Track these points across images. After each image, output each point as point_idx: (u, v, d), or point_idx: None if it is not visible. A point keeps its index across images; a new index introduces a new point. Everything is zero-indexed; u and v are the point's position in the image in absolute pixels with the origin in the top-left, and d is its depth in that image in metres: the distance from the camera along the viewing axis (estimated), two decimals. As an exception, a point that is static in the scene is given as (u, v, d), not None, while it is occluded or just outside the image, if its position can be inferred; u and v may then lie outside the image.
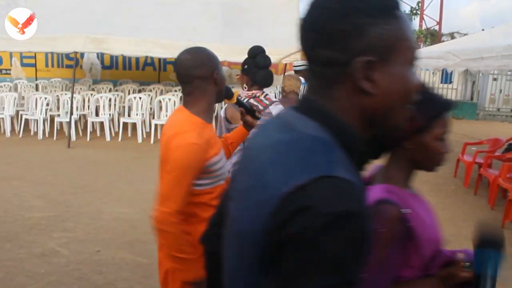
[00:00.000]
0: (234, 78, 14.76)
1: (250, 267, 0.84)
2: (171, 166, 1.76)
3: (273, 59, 8.21)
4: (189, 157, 1.75)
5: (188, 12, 9.48)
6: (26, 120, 9.42)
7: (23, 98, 10.59)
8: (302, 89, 4.32)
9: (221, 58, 8.59)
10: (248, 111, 2.28)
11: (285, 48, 8.38)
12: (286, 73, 5.27)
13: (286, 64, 9.45)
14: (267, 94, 3.19)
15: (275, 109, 3.08)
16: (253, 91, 3.16)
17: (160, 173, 1.85)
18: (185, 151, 1.75)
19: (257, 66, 3.16)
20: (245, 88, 3.21)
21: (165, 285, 1.92)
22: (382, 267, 1.14)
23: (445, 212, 5.71)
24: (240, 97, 2.93)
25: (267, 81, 3.18)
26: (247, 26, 9.22)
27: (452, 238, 4.87)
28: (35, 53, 13.13)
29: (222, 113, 3.21)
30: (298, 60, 8.23)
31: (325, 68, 0.84)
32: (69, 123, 8.69)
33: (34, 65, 14.00)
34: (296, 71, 6.13)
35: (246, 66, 3.22)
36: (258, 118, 2.30)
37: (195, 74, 1.86)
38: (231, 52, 8.47)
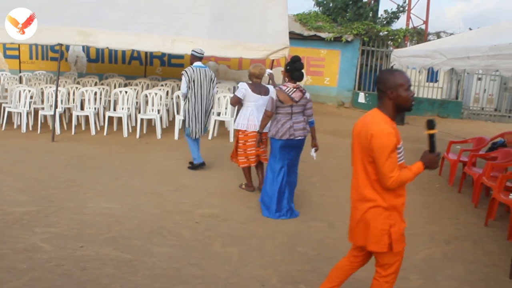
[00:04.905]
0: (229, 73, 14.70)
1: None
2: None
3: (261, 55, 8.30)
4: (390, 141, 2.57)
5: (177, 6, 9.39)
6: (9, 113, 9.26)
7: (6, 90, 10.40)
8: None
9: (208, 53, 8.51)
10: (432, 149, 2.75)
11: (273, 44, 8.35)
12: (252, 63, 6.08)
13: (273, 60, 9.43)
14: (302, 87, 4.93)
15: (308, 95, 4.93)
16: (297, 84, 4.87)
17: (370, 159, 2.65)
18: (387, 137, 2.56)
19: (296, 69, 4.87)
20: (286, 80, 4.97)
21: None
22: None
23: (430, 210, 5.76)
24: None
25: (300, 78, 4.91)
26: (235, 21, 9.17)
27: (436, 236, 4.92)
28: (18, 45, 12.89)
29: (274, 96, 4.79)
30: (286, 57, 8.24)
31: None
32: (54, 116, 8.56)
33: (18, 57, 13.75)
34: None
35: (288, 67, 4.92)
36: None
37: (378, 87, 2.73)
38: (219, 47, 8.40)
